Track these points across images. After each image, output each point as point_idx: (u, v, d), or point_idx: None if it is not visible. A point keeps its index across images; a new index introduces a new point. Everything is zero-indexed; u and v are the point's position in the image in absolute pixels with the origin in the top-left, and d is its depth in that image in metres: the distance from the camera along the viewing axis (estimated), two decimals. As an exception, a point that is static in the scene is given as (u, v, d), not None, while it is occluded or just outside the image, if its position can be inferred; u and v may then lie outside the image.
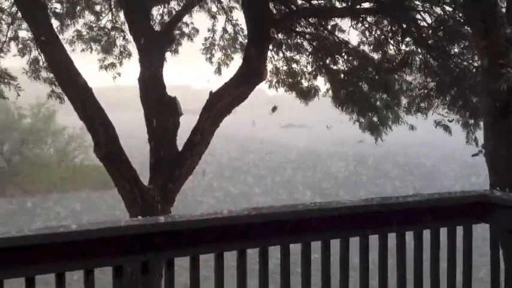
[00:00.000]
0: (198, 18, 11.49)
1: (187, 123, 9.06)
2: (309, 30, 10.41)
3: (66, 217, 18.35)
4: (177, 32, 10.93)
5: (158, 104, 8.75)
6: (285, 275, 2.26)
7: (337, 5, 9.68)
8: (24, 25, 10.27)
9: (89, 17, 10.87)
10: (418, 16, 9.11)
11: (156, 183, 8.49)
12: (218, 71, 11.47)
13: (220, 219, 2.16)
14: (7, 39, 10.29)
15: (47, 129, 25.61)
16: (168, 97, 8.78)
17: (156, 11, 10.82)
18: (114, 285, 2.01)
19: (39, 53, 10.40)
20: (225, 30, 11.62)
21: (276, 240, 2.23)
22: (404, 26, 9.25)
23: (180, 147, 8.72)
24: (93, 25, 11.04)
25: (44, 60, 10.33)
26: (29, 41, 10.52)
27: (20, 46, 10.57)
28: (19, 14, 10.01)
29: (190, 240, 2.10)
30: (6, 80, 9.91)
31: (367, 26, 9.89)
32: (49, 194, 22.28)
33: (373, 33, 9.94)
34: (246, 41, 10.52)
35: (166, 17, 11.04)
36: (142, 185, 8.39)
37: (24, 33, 10.49)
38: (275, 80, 10.94)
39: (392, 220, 2.42)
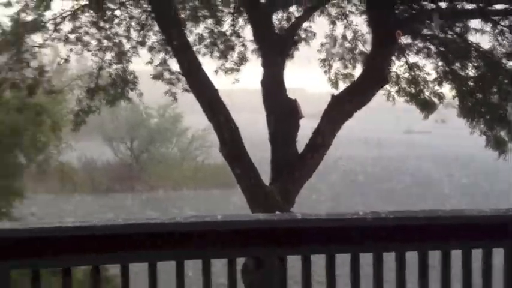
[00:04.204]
0: (317, 23, 11.39)
1: (303, 126, 9.12)
2: (435, 32, 9.95)
3: (187, 213, 19.27)
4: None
5: (279, 106, 8.91)
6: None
7: (467, 6, 9.17)
8: (153, 31, 10.94)
9: (209, 21, 11.15)
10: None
11: (277, 184, 8.64)
12: (335, 83, 11.13)
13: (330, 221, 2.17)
14: (136, 44, 10.95)
15: (173, 130, 27.23)
16: (288, 100, 8.91)
17: (274, 16, 10.93)
18: (229, 276, 2.09)
19: (165, 57, 11.02)
20: (344, 37, 11.34)
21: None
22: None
23: (298, 150, 8.81)
24: (214, 29, 11.30)
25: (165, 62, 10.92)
26: (157, 46, 11.12)
27: (150, 50, 11.17)
28: (148, 21, 10.72)
29: (305, 239, 2.12)
30: (130, 84, 10.65)
31: (500, 29, 9.24)
32: (173, 191, 23.58)
33: (508, 37, 9.27)
34: (366, 48, 10.31)
35: (284, 23, 11.10)
36: (264, 185, 8.59)
37: (153, 39, 11.12)
38: (395, 90, 10.46)
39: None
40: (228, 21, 11.07)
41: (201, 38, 11.02)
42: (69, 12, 9.99)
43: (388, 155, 31.94)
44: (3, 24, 9.53)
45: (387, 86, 10.06)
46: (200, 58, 10.59)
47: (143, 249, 1.97)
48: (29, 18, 9.63)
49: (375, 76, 8.09)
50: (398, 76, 10.35)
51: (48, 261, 1.94)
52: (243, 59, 11.40)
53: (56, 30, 9.94)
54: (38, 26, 9.62)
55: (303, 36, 11.30)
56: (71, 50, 10.23)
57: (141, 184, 24.75)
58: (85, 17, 10.22)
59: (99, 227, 1.98)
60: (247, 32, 10.89)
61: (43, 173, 18.24)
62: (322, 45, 11.40)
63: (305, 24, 11.08)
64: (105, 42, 10.61)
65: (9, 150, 14.40)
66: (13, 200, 15.34)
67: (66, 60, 10.35)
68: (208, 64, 11.16)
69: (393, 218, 2.18)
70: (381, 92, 9.96)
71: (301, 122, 9.02)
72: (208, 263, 2.03)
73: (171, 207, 20.81)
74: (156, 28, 10.58)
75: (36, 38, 9.89)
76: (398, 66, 10.25)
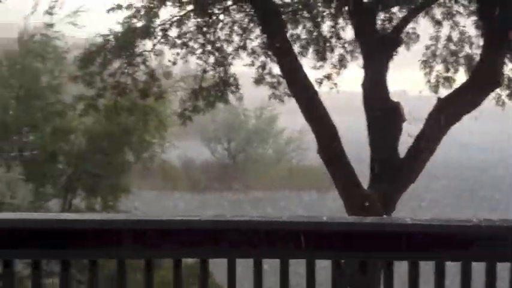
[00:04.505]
0: (419, 24, 10.99)
1: (404, 130, 8.85)
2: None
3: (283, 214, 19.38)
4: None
5: (381, 109, 8.75)
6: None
7: None
8: (253, 35, 11.11)
9: (308, 24, 11.08)
10: None
11: (376, 189, 8.50)
12: (436, 86, 10.66)
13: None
14: (238, 48, 11.15)
15: (269, 131, 27.68)
16: (391, 102, 8.73)
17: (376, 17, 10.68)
18: (333, 278, 2.08)
19: (266, 60, 11.15)
20: (449, 38, 10.83)
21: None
22: None
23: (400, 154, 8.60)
24: (314, 31, 11.19)
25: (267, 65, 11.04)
26: (258, 50, 11.27)
27: (250, 54, 11.33)
28: (250, 25, 10.91)
29: (413, 245, 2.05)
30: (232, 87, 10.89)
31: None
32: (268, 191, 23.89)
33: None
34: (472, 50, 9.82)
35: (386, 23, 10.82)
36: (362, 189, 8.48)
37: (254, 43, 11.28)
38: (506, 93, 9.84)
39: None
40: (327, 22, 11.04)
41: (300, 40, 11.06)
42: (176, 18, 10.44)
43: (495, 161, 30.16)
44: (115, 30, 10.16)
45: (497, 89, 9.52)
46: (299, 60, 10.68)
47: (248, 246, 2.00)
48: (139, 24, 10.19)
49: (486, 79, 7.72)
50: (510, 79, 9.76)
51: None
52: (342, 62, 11.30)
53: (164, 36, 10.44)
54: (147, 32, 10.15)
55: (405, 38, 10.99)
56: (177, 54, 10.68)
57: (237, 183, 25.32)
58: (191, 23, 10.64)
59: (202, 222, 2.04)
60: (347, 34, 10.83)
61: (147, 170, 19.19)
62: (427, 48, 10.97)
63: (408, 26, 10.79)
64: (208, 46, 10.97)
65: (120, 149, 15.35)
66: (120, 196, 16.33)
67: (174, 63, 10.81)
68: (308, 66, 11.19)
69: (508, 227, 2.07)
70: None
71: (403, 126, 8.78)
72: (313, 263, 2.04)
73: (267, 207, 21.11)
74: (257, 32, 10.80)
75: (146, 43, 10.46)
76: (510, 69, 9.68)
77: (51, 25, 14.90)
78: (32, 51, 16.39)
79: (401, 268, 2.17)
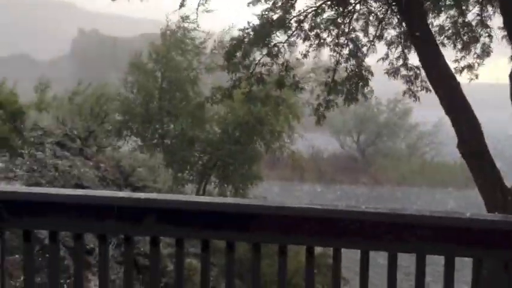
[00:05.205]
0: None
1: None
2: None
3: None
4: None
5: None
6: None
7: None
8: (391, 25, 10.71)
9: (452, 12, 10.46)
10: None
11: (522, 187, 7.88)
12: None
13: None
14: (373, 38, 10.82)
15: (401, 125, 26.84)
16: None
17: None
18: (474, 277, 1.97)
19: (402, 51, 10.72)
20: None
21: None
22: None
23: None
24: (458, 19, 10.56)
25: (404, 57, 10.61)
26: (396, 40, 10.89)
27: (387, 45, 10.96)
28: (387, 14, 10.55)
29: None
30: (364, 80, 10.60)
31: None
32: (397, 186, 23.21)
33: None
34: None
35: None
36: (506, 188, 7.92)
37: (391, 33, 10.89)
38: None
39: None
40: (473, 10, 10.37)
41: (441, 29, 10.50)
42: (311, 10, 10.44)
43: None
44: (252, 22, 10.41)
45: None
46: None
47: (380, 240, 1.94)
48: (275, 16, 10.35)
49: None
50: None
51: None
52: (486, 52, 10.59)
53: (298, 27, 10.49)
54: (283, 24, 10.28)
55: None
56: (310, 46, 10.68)
57: (365, 177, 24.94)
58: (325, 14, 10.58)
59: (338, 211, 2.02)
60: (495, 23, 10.10)
61: (276, 160, 19.59)
62: None
63: None
64: (342, 37, 10.84)
65: (251, 138, 15.83)
66: (252, 183, 16.88)
67: (305, 56, 10.84)
68: (450, 57, 10.58)
69: None
70: None
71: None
72: (452, 260, 1.93)
73: (395, 202, 20.57)
74: (395, 22, 10.45)
75: (280, 35, 10.59)
76: None
77: (187, 17, 15.68)
78: (174, 45, 17.49)
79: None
